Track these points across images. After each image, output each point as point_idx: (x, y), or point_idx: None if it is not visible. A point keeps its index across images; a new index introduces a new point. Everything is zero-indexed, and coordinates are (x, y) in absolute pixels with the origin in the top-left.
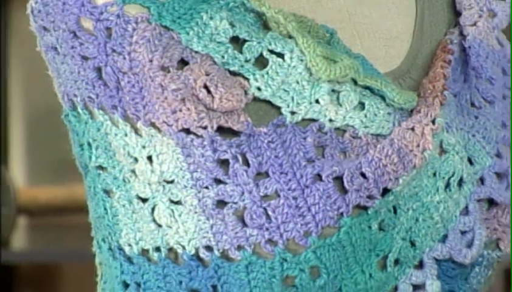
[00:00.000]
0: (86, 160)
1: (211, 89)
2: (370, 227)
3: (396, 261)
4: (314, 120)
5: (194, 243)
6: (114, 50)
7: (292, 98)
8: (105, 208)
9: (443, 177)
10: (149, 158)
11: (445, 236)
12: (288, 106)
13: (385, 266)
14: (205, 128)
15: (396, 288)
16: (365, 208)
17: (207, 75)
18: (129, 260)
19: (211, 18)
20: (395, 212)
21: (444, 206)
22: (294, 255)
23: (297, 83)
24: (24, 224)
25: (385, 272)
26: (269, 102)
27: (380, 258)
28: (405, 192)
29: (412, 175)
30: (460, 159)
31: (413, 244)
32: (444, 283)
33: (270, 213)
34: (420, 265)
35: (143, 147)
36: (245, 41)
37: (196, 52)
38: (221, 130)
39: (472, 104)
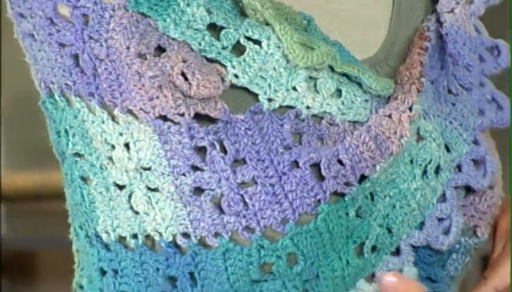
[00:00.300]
0: (63, 147)
1: (188, 76)
2: (347, 214)
3: (373, 248)
4: (291, 107)
5: (171, 230)
6: (91, 37)
7: (269, 85)
8: (82, 196)
9: (420, 164)
10: (127, 145)
11: (422, 223)
12: (265, 93)
13: (362, 253)
14: (182, 115)
15: (373, 275)
16: (342, 195)
17: (184, 62)
18: (106, 247)
19: (188, 5)
20: (372, 198)
21: (421, 193)
22: (271, 242)
23: (274, 70)
24: (1, 211)
25: (362, 258)
26: (246, 89)
27: (358, 245)
28: (382, 179)
29: (389, 162)
30: (437, 146)
31: (390, 231)
32: (421, 270)
33: (247, 200)
34: (397, 252)
35: (120, 134)
36: (222, 28)
37: (173, 39)
38: (198, 117)
39: (449, 91)
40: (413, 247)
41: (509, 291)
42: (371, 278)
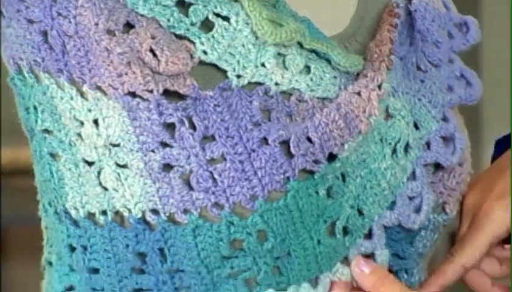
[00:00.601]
0: (31, 124)
1: (157, 53)
2: (317, 193)
3: (345, 230)
4: (260, 84)
5: (140, 207)
6: (59, 14)
7: (238, 62)
8: (51, 172)
9: (390, 143)
10: (95, 121)
11: (393, 203)
12: (234, 70)
13: (333, 233)
14: (151, 91)
15: (346, 258)
16: (312, 173)
17: (153, 38)
18: (75, 223)
19: None
20: (344, 179)
21: (391, 172)
22: (240, 218)
23: (243, 46)
24: None
25: (334, 239)
26: (215, 66)
27: (329, 224)
28: (353, 159)
29: (358, 141)
30: (405, 124)
31: (361, 212)
32: (389, 247)
33: (216, 176)
34: (369, 234)
35: (89, 110)
36: (190, 4)
37: (142, 16)
38: (167, 94)
39: (418, 68)
40: (385, 227)
41: (475, 267)
42: (346, 260)
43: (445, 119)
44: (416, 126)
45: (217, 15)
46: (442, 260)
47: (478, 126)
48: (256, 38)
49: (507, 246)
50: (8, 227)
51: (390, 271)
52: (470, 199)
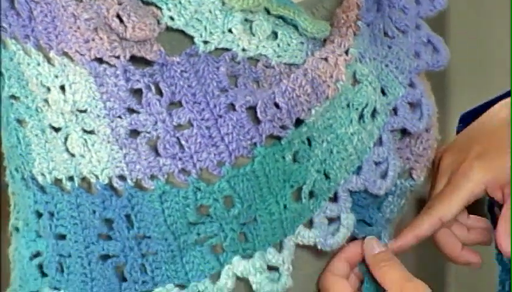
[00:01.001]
0: None
1: (124, 19)
2: (283, 158)
3: (311, 194)
4: (227, 50)
5: (107, 173)
6: None
7: (205, 28)
8: (18, 138)
9: (357, 108)
10: (62, 87)
11: (359, 168)
12: (201, 36)
13: (299, 198)
14: (117, 57)
15: (311, 221)
16: (279, 138)
17: (120, 4)
18: (42, 189)
19: None
20: (309, 144)
21: (358, 137)
22: (207, 184)
23: (210, 12)
24: None
25: (300, 203)
26: (182, 32)
27: (295, 189)
28: (319, 124)
29: (325, 106)
30: (373, 90)
31: (327, 176)
32: (356, 213)
33: (183, 142)
34: (335, 198)
35: (56, 76)
36: None
37: None
38: (134, 60)
39: (385, 34)
40: (350, 192)
41: (450, 224)
42: (310, 224)
43: (412, 85)
44: (383, 92)
45: None
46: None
47: (445, 92)
48: (223, 3)
49: (472, 216)
50: None
51: (357, 237)
52: (447, 160)
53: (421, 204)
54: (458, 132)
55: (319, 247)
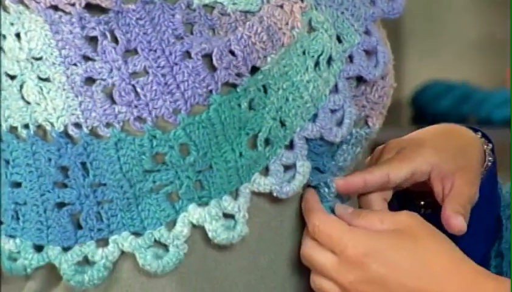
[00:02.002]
0: None
1: None
2: (239, 105)
3: (267, 141)
4: None
5: (62, 120)
6: None
7: None
8: None
9: (312, 56)
10: (18, 35)
11: (315, 116)
12: None
13: (255, 145)
14: (73, 4)
15: (267, 168)
16: (234, 86)
17: None
18: None
19: None
20: (265, 91)
21: (313, 85)
22: (163, 132)
23: None
24: None
25: (256, 151)
26: None
27: (251, 137)
28: (275, 71)
29: (281, 54)
30: (328, 37)
31: (283, 123)
32: (310, 160)
33: (139, 90)
34: (291, 145)
35: (11, 24)
36: None
37: None
38: (89, 7)
39: None
40: (306, 139)
41: (393, 185)
42: (265, 171)
43: (368, 32)
44: (339, 40)
45: None
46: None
47: (400, 39)
48: None
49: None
50: None
51: (310, 184)
52: (393, 144)
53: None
54: None
55: (275, 194)
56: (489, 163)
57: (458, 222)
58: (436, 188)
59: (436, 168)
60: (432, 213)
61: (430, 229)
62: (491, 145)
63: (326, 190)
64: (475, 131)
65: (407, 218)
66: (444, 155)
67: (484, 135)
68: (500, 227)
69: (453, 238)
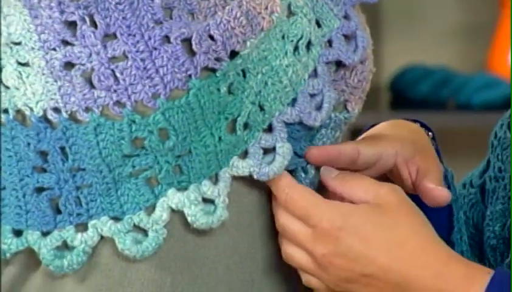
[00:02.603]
0: None
1: None
2: (218, 90)
3: (246, 125)
4: None
5: (42, 105)
6: None
7: None
8: None
9: (291, 40)
10: None
11: (294, 100)
12: None
13: (234, 130)
14: None
15: (246, 152)
16: (214, 70)
17: None
18: None
19: None
20: (244, 75)
21: (292, 69)
22: (142, 116)
23: None
24: None
25: (235, 135)
26: None
27: (230, 121)
28: (254, 56)
29: (260, 38)
30: (307, 21)
31: (262, 108)
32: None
33: (118, 75)
34: (269, 129)
35: None
36: None
37: None
38: None
39: None
40: (286, 123)
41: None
42: (244, 155)
43: (347, 17)
44: (318, 24)
45: None
46: None
47: (379, 24)
48: None
49: None
50: None
51: (287, 169)
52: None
53: (354, 135)
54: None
55: (255, 176)
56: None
57: (443, 192)
58: (404, 173)
59: (400, 154)
60: None
61: (410, 206)
62: (431, 133)
63: (303, 174)
64: (414, 121)
65: (389, 193)
66: (403, 142)
67: (422, 125)
68: (451, 217)
69: None
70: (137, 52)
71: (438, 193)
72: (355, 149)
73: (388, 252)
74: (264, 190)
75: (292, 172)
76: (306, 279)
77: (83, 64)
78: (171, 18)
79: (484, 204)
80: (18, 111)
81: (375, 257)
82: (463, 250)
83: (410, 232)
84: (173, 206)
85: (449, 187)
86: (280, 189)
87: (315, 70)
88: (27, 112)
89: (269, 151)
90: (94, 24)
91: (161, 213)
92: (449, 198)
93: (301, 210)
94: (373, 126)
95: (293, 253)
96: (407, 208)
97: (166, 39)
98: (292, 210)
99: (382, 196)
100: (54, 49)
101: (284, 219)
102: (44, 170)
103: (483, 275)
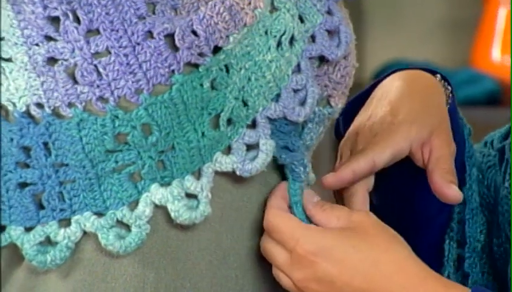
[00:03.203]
0: None
1: None
2: (201, 85)
3: (229, 121)
4: None
5: (25, 100)
6: None
7: None
8: None
9: (275, 36)
10: None
11: (278, 96)
12: None
13: (217, 125)
14: None
15: (230, 148)
16: (197, 66)
17: None
18: None
19: None
20: (227, 71)
21: (276, 65)
22: (125, 112)
23: None
24: None
25: (218, 131)
26: None
27: (213, 116)
28: (237, 51)
29: (243, 33)
30: (291, 17)
31: (245, 103)
32: (279, 139)
33: (101, 70)
34: (253, 125)
35: None
36: None
37: None
38: None
39: None
40: (270, 119)
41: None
42: (228, 151)
43: (330, 12)
44: (301, 19)
45: None
46: (326, 153)
47: (362, 19)
48: None
49: None
50: None
51: (284, 163)
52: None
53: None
54: (339, 130)
55: (238, 173)
56: (448, 106)
57: (453, 192)
58: (417, 156)
59: (415, 142)
60: None
61: (382, 227)
62: (450, 88)
63: (302, 168)
64: (434, 73)
65: (361, 217)
66: (418, 123)
67: (443, 78)
68: (463, 174)
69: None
70: (120, 47)
71: (446, 191)
72: (370, 162)
73: (363, 274)
74: (248, 186)
75: (288, 167)
76: None
77: (66, 60)
78: (154, 13)
79: (500, 169)
80: (1, 107)
81: (349, 280)
82: (472, 208)
83: (382, 250)
84: (156, 201)
85: (463, 143)
86: (265, 215)
87: (298, 66)
88: (10, 108)
89: (252, 147)
90: (77, 20)
91: (144, 208)
92: (459, 197)
93: (278, 235)
94: (380, 81)
95: (279, 277)
96: (379, 229)
97: (150, 34)
98: (271, 234)
99: (353, 220)
100: (37, 44)
101: (265, 243)
102: (27, 166)
103: None
